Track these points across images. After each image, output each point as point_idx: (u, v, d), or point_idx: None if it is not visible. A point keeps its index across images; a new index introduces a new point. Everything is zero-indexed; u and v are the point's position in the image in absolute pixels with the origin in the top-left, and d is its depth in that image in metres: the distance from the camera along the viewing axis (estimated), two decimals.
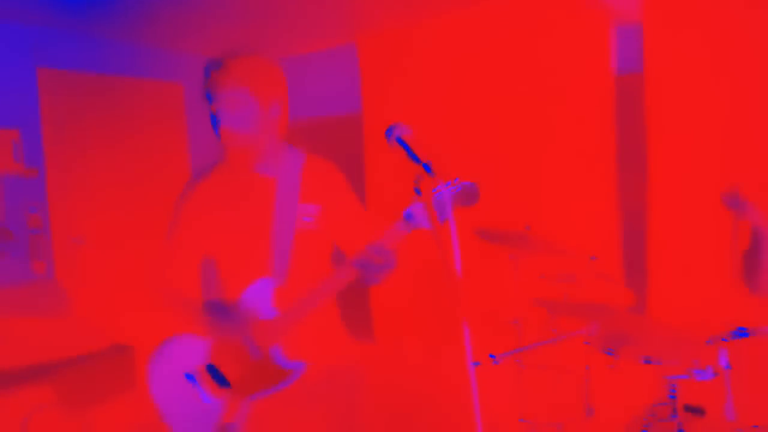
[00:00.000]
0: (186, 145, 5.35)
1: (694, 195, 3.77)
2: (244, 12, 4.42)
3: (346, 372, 1.86)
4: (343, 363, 1.86)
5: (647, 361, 2.35)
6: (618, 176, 4.16)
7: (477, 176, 4.53)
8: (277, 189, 1.82)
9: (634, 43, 4.01)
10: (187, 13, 4.35)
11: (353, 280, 1.65)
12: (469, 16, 4.57)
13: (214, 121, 1.81)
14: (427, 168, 1.35)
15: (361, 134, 5.19)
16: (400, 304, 4.60)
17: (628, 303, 2.96)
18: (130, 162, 4.92)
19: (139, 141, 4.98)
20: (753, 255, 2.16)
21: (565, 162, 4.25)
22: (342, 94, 5.25)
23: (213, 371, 1.76)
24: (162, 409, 1.88)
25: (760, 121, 3.48)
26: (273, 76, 1.85)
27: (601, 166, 4.17)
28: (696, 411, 2.26)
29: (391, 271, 1.65)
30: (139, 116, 4.99)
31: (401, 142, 1.41)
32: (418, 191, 1.36)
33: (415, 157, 1.38)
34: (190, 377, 1.79)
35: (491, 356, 2.53)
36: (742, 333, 2.02)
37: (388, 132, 1.45)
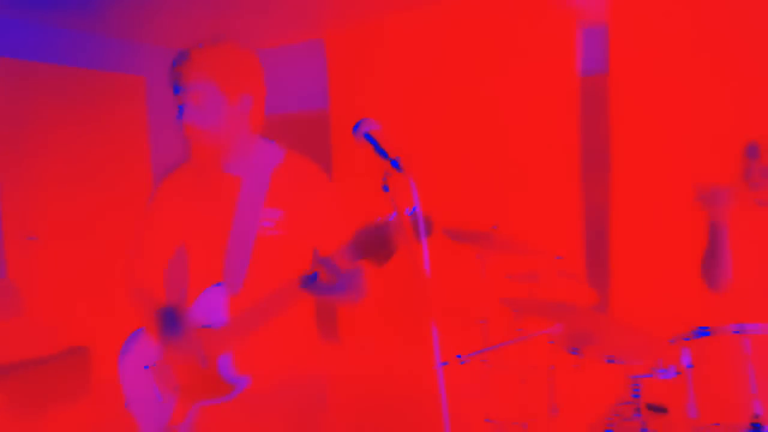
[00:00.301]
0: (146, 141, 5.22)
1: (656, 195, 3.83)
2: (209, 2, 4.32)
3: (306, 387, 1.73)
4: (305, 378, 1.73)
5: (611, 361, 2.37)
6: (582, 176, 4.21)
7: (443, 174, 4.53)
8: (241, 190, 1.70)
9: (599, 44, 4.05)
10: (150, 3, 4.24)
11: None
12: (436, 14, 4.56)
13: (180, 116, 1.70)
14: (395, 164, 1.30)
15: (328, 131, 5.14)
16: (366, 304, 4.54)
17: (591, 302, 2.98)
18: (88, 158, 4.77)
19: (97, 136, 4.83)
20: (712, 251, 2.24)
21: (530, 161, 4.28)
22: (309, 89, 5.19)
23: (164, 371, 1.71)
24: (126, 395, 1.79)
25: (723, 121, 3.55)
26: (243, 67, 1.72)
27: (566, 165, 4.21)
28: (658, 409, 2.28)
29: (350, 294, 1.54)
30: (97, 110, 4.84)
31: (369, 138, 1.37)
32: (386, 188, 1.32)
33: (383, 153, 1.33)
34: (148, 370, 1.73)
35: (458, 356, 2.51)
36: (704, 332, 2.04)
37: (356, 127, 1.41)
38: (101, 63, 4.92)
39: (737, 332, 1.93)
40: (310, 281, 1.46)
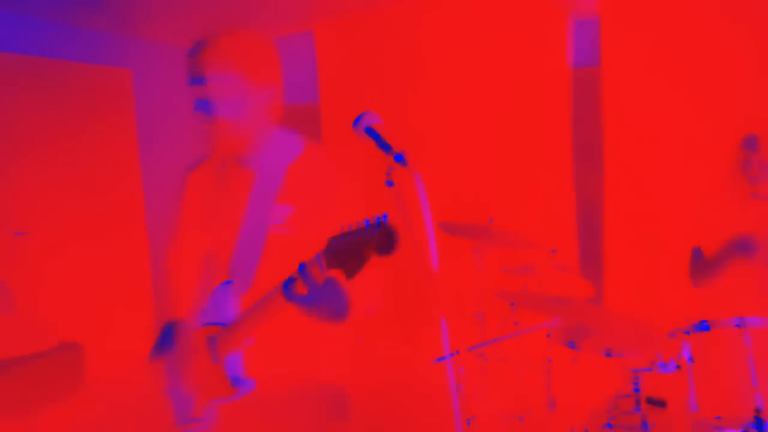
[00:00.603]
0: (134, 135, 5.15)
1: (650, 187, 3.85)
2: None
3: (327, 395, 1.65)
4: (326, 385, 1.65)
5: (608, 354, 2.39)
6: (574, 168, 4.22)
7: (437, 168, 4.49)
8: (254, 184, 1.62)
9: (591, 37, 4.05)
10: None
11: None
12: (426, 6, 4.53)
13: (201, 108, 1.59)
14: (400, 158, 1.26)
15: (319, 124, 5.10)
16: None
17: (587, 295, 2.99)
18: (75, 152, 4.70)
19: (84, 130, 4.75)
20: (715, 264, 2.37)
21: (522, 155, 4.28)
22: (299, 82, 5.15)
23: (178, 367, 1.70)
24: (165, 382, 1.76)
25: (716, 114, 3.57)
26: (265, 56, 1.64)
27: (558, 158, 4.22)
28: (657, 403, 2.30)
29: (326, 311, 1.39)
30: (84, 104, 4.76)
31: (371, 132, 1.33)
32: (390, 183, 1.28)
33: (387, 148, 1.29)
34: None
35: (456, 351, 2.52)
36: (704, 326, 2.05)
37: (356, 121, 1.38)
38: (87, 56, 4.84)
39: (738, 326, 1.94)
40: (284, 289, 1.38)
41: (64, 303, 4.45)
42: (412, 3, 4.56)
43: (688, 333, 2.07)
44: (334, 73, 5.04)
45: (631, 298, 3.78)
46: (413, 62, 4.61)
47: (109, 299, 4.75)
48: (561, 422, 2.68)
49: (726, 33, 3.54)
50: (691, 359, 2.05)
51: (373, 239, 1.20)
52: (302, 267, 1.34)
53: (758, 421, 1.87)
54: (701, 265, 2.62)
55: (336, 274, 1.29)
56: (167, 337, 1.70)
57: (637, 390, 2.18)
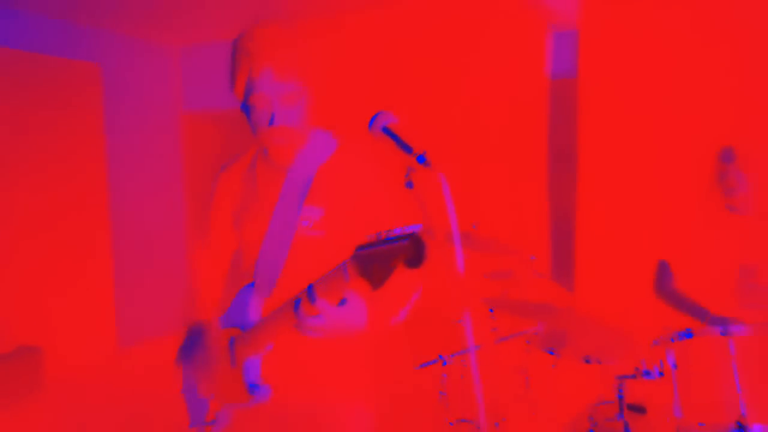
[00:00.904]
0: (102, 130, 4.99)
1: (622, 197, 3.93)
2: None
3: (350, 414, 1.58)
4: (351, 404, 1.58)
5: (587, 361, 2.40)
6: (549, 177, 4.27)
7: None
8: (284, 185, 1.55)
9: (569, 48, 4.12)
10: None
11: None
12: (405, 14, 4.53)
13: (258, 115, 1.49)
14: (422, 159, 1.22)
15: None
16: None
17: (567, 302, 3.01)
18: (38, 148, 4.52)
19: (49, 125, 4.59)
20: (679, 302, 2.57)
21: (498, 162, 4.31)
22: None
23: (196, 369, 1.63)
24: (182, 381, 1.69)
25: (690, 126, 3.66)
26: (309, 57, 1.53)
27: (533, 166, 4.26)
28: (637, 409, 2.32)
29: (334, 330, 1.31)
30: (50, 98, 4.60)
31: (388, 132, 1.30)
32: (410, 185, 1.23)
33: (406, 148, 1.26)
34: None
35: (440, 357, 2.50)
36: (687, 334, 2.08)
37: (372, 122, 1.34)
38: (55, 48, 4.68)
39: (722, 333, 1.97)
40: (294, 308, 1.31)
41: (22, 305, 4.27)
42: (391, 10, 4.55)
43: (672, 340, 2.09)
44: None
45: (601, 304, 3.82)
46: (390, 70, 4.60)
47: (69, 301, 4.59)
48: (539, 428, 2.68)
49: (701, 47, 3.64)
50: (675, 366, 2.07)
51: (403, 252, 1.14)
52: (310, 287, 1.28)
53: (740, 427, 1.89)
54: (666, 282, 2.68)
55: (361, 283, 1.22)
56: (193, 339, 1.61)
57: (621, 397, 2.19)
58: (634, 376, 2.15)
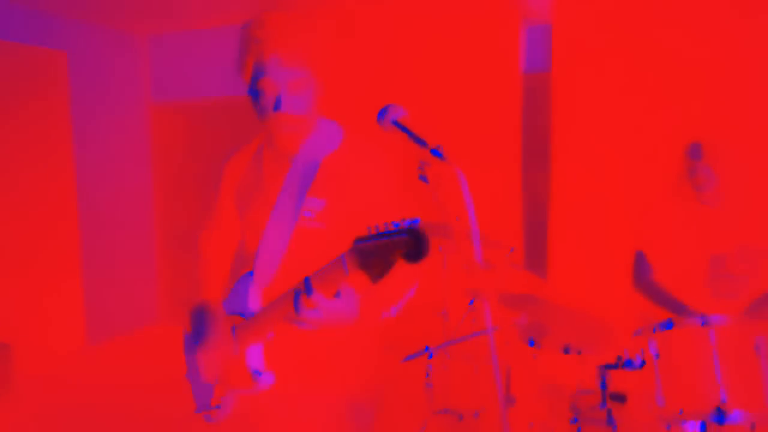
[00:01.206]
0: (68, 120, 4.85)
1: (595, 190, 4.01)
2: None
3: (356, 403, 1.59)
4: (356, 393, 1.58)
5: (566, 351, 2.46)
6: (522, 171, 4.32)
7: None
8: (287, 175, 1.55)
9: (542, 42, 4.17)
10: None
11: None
12: (379, 9, 4.50)
13: (265, 102, 1.48)
14: (436, 153, 1.23)
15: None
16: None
17: (548, 293, 3.07)
18: (3, 139, 4.36)
19: (13, 115, 4.43)
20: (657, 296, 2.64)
21: (472, 156, 4.34)
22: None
23: (201, 355, 1.63)
24: (187, 365, 1.69)
25: (661, 120, 3.75)
26: (321, 43, 1.51)
27: (507, 161, 4.31)
28: (617, 398, 2.39)
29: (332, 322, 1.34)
30: (14, 86, 4.44)
31: (399, 126, 1.30)
32: (424, 178, 1.23)
33: (420, 141, 1.26)
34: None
35: (426, 348, 2.52)
36: (668, 325, 2.14)
37: (381, 115, 1.34)
38: (20, 35, 4.52)
39: (703, 324, 2.04)
40: (293, 301, 1.32)
41: None
42: (364, 6, 4.50)
43: (654, 330, 2.15)
44: None
45: (573, 297, 3.91)
46: (363, 63, 4.56)
47: (37, 298, 4.47)
48: (518, 418, 2.74)
49: (674, 41, 3.72)
50: (657, 355, 2.14)
51: (402, 245, 1.14)
52: (306, 280, 1.29)
53: (719, 412, 1.97)
54: (645, 273, 2.76)
55: (360, 276, 1.22)
56: (200, 322, 1.61)
57: (603, 386, 2.24)
58: (616, 366, 2.21)
